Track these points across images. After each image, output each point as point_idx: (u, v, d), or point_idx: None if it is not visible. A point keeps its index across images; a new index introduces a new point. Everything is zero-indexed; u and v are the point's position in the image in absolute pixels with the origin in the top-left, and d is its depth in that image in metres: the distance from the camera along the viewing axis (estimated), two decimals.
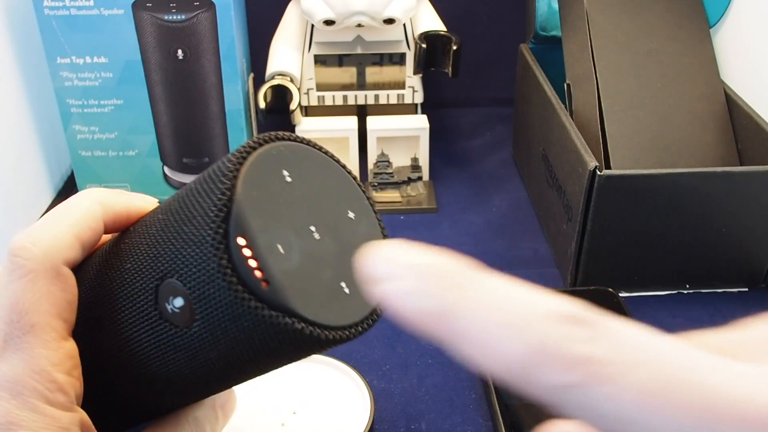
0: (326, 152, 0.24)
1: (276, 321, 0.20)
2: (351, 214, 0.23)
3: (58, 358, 0.22)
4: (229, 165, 0.21)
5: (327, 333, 0.21)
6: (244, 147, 0.22)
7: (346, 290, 0.22)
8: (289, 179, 0.22)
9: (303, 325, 0.20)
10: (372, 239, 0.24)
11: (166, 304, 0.22)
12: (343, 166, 0.24)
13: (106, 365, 0.24)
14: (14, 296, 0.22)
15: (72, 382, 0.22)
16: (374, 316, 0.23)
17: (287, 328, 0.20)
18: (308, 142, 0.24)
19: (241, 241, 0.20)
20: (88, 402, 0.24)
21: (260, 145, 0.22)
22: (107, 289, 0.24)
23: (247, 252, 0.20)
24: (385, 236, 0.24)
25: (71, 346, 0.23)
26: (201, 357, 0.22)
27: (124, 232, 0.25)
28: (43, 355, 0.22)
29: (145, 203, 0.26)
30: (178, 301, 0.21)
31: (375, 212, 0.24)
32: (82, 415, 0.23)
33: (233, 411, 0.29)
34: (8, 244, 0.23)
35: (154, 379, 0.23)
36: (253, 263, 0.20)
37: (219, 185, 0.21)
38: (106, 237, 0.26)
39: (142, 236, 0.23)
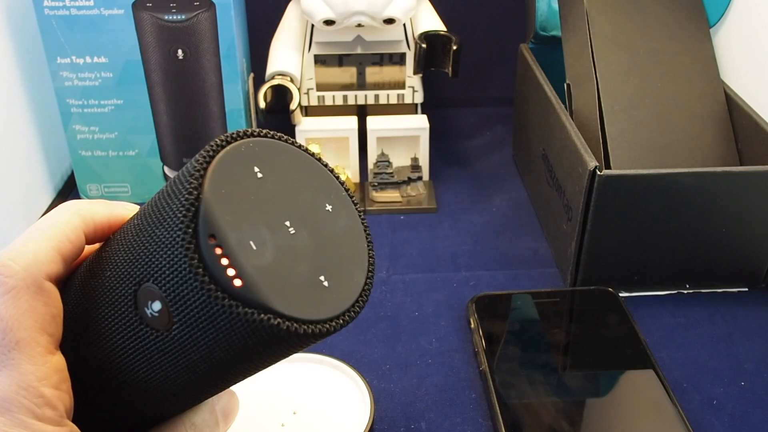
0: (300, 146, 0.24)
1: (251, 318, 0.20)
2: (328, 207, 0.23)
3: (45, 373, 0.22)
4: (196, 165, 0.21)
5: (306, 327, 0.21)
6: (211, 145, 0.21)
7: (325, 283, 0.22)
8: (260, 175, 0.22)
9: (279, 320, 0.20)
10: (351, 230, 0.23)
11: (145, 309, 0.22)
12: (319, 159, 0.24)
13: (94, 375, 0.24)
14: None
15: (60, 395, 0.22)
16: (356, 308, 0.22)
17: (263, 325, 0.20)
18: (280, 137, 0.23)
19: (211, 239, 0.20)
20: (79, 415, 0.23)
21: (229, 142, 0.22)
22: (90, 298, 0.24)
23: (218, 250, 0.20)
24: (365, 226, 0.24)
25: (58, 360, 0.23)
26: (184, 359, 0.22)
27: (106, 241, 0.25)
28: (29, 370, 0.22)
29: (126, 211, 0.26)
30: (156, 305, 0.21)
31: (354, 203, 0.24)
32: (73, 428, 0.23)
33: (235, 415, 0.28)
34: None
35: (142, 385, 0.23)
36: (224, 261, 0.20)
37: (186, 185, 0.21)
38: (92, 248, 0.26)
39: (120, 243, 0.23)
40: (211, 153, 0.21)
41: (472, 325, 0.47)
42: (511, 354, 0.44)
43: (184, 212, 0.20)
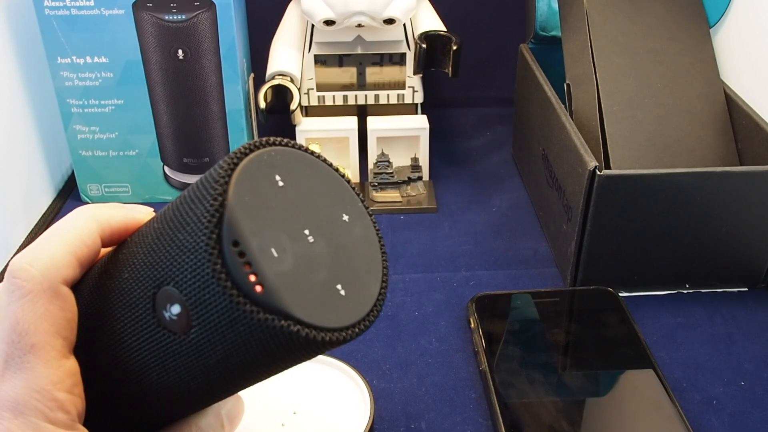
0: (318, 156, 0.24)
1: (271, 324, 0.20)
2: (345, 217, 0.23)
3: (59, 377, 0.22)
4: (221, 171, 0.21)
5: (323, 335, 0.21)
6: (235, 153, 0.22)
7: (342, 292, 0.22)
8: (281, 184, 0.22)
9: (299, 327, 0.20)
10: (367, 240, 0.24)
11: (164, 312, 0.22)
12: (336, 170, 0.25)
13: (107, 378, 0.24)
14: (14, 317, 0.22)
15: (73, 399, 0.23)
16: (371, 317, 0.23)
17: (283, 331, 0.20)
18: (300, 147, 0.24)
19: (234, 245, 0.20)
20: (90, 418, 0.24)
21: (252, 150, 0.22)
22: (106, 300, 0.24)
23: (240, 256, 0.20)
24: (380, 237, 0.24)
25: (72, 364, 0.23)
26: (200, 363, 0.22)
27: (122, 243, 0.25)
28: (43, 374, 0.22)
29: (141, 214, 0.26)
30: (175, 308, 0.21)
31: (370, 214, 0.25)
32: None
33: (240, 419, 0.28)
34: (8, 266, 0.23)
35: (154, 388, 0.23)
36: (246, 267, 0.20)
37: (211, 191, 0.21)
38: (106, 250, 0.26)
39: (139, 246, 0.23)
40: (235, 160, 0.21)
41: (472, 325, 0.47)
42: (511, 354, 0.44)
43: (208, 218, 0.20)
